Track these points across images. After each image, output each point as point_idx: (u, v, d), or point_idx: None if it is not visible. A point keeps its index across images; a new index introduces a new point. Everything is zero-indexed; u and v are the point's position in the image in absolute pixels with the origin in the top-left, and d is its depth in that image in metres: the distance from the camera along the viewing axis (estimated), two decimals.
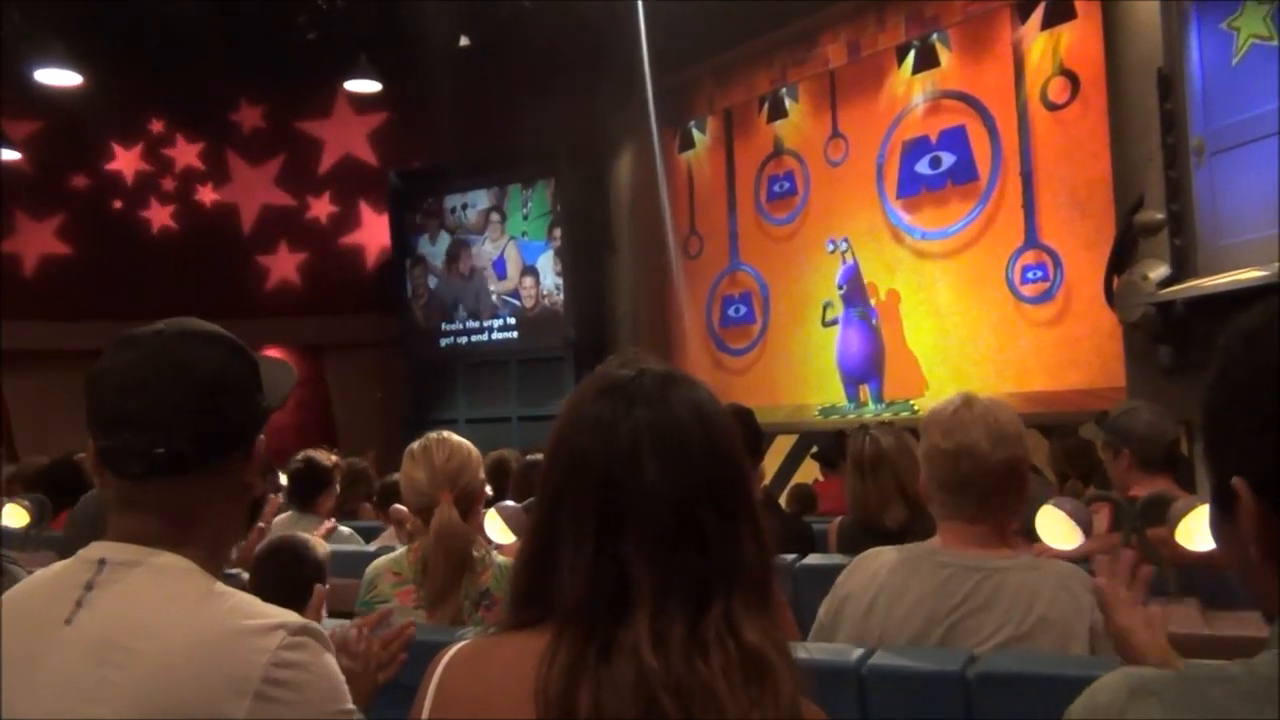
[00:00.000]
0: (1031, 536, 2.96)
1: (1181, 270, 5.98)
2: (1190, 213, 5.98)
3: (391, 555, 2.68)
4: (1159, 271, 6.05)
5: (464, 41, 10.25)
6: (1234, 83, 5.66)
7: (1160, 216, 6.14)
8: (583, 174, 11.02)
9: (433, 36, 10.08)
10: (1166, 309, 5.95)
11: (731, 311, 10.46)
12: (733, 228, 10.46)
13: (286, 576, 2.67)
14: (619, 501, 1.05)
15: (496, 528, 3.29)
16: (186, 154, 12.52)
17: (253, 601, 1.24)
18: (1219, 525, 0.89)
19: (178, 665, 1.15)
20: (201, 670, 1.14)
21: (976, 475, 2.00)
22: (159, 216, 12.42)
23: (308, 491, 4.56)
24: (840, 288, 9.35)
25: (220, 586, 1.25)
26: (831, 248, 9.41)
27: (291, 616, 1.23)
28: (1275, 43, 5.41)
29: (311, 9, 9.93)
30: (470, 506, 2.60)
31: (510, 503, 3.47)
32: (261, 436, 1.35)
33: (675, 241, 10.56)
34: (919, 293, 8.88)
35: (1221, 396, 0.87)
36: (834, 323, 9.47)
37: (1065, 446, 4.79)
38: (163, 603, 1.20)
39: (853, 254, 9.29)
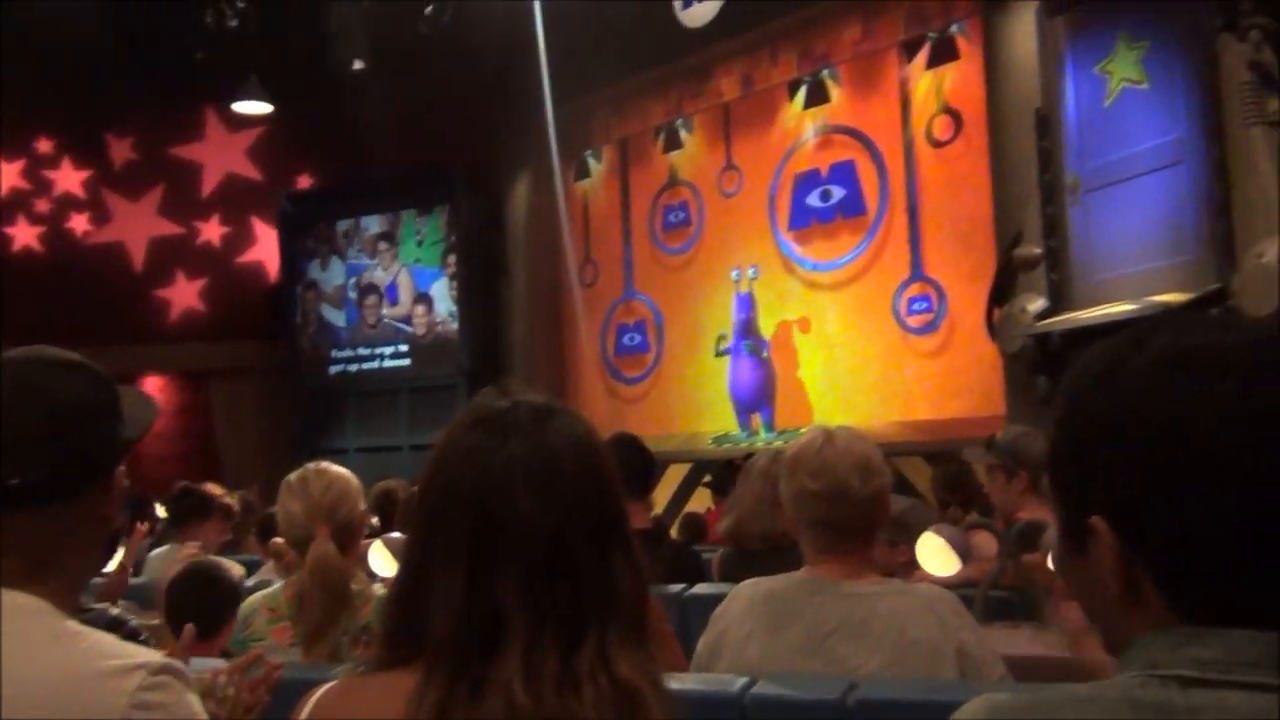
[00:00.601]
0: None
1: (1058, 303, 6.21)
2: (1066, 248, 6.22)
3: (267, 591, 2.60)
4: (1037, 304, 6.28)
5: (359, 65, 10.14)
6: (1107, 123, 5.90)
7: (1038, 251, 6.38)
8: (479, 201, 10.97)
9: (326, 59, 9.96)
10: (1044, 340, 6.17)
11: (626, 340, 10.49)
12: (628, 257, 10.53)
13: (201, 600, 2.64)
14: (492, 534, 1.05)
15: (382, 560, 3.23)
16: (70, 180, 12.13)
17: (111, 641, 1.21)
18: (1068, 561, 0.90)
19: (34, 709, 1.11)
20: (59, 713, 1.11)
21: (848, 511, 2.05)
22: (23, 236, 12.01)
23: (179, 517, 4.54)
24: (737, 318, 9.45)
25: (75, 625, 1.21)
26: (736, 275, 9.49)
27: (152, 655, 1.19)
28: (1145, 86, 5.67)
29: (199, 29, 9.72)
30: (349, 540, 2.54)
31: (397, 535, 3.42)
32: (121, 468, 1.31)
33: (571, 269, 10.57)
34: (810, 323, 9.03)
35: (1074, 434, 0.88)
36: (726, 353, 9.56)
37: (946, 474, 4.91)
38: (15, 645, 1.15)
39: (749, 284, 9.42)
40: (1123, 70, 5.76)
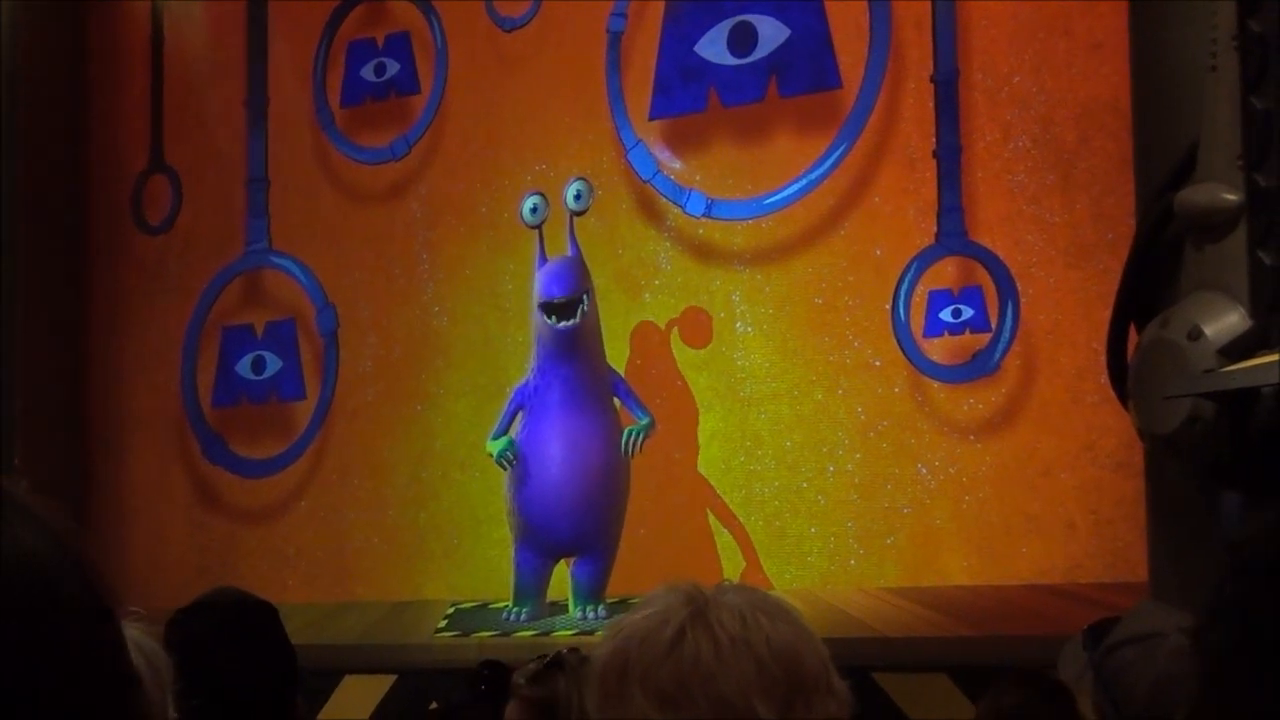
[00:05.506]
0: None
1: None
2: None
3: None
4: (1228, 322, 6.32)
5: None
6: None
7: (1230, 197, 6.41)
8: None
9: None
10: (1242, 403, 6.21)
11: (245, 370, 10.94)
12: (257, 164, 10.82)
13: None
14: None
15: None
16: None
17: None
18: None
19: None
20: None
21: None
22: None
23: None
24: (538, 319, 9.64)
25: None
26: (534, 209, 9.82)
27: None
28: None
29: None
30: None
31: None
32: None
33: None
34: (712, 326, 9.35)
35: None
36: (507, 457, 9.85)
37: (1005, 710, 4.97)
38: None
39: (568, 221, 9.63)
40: None
